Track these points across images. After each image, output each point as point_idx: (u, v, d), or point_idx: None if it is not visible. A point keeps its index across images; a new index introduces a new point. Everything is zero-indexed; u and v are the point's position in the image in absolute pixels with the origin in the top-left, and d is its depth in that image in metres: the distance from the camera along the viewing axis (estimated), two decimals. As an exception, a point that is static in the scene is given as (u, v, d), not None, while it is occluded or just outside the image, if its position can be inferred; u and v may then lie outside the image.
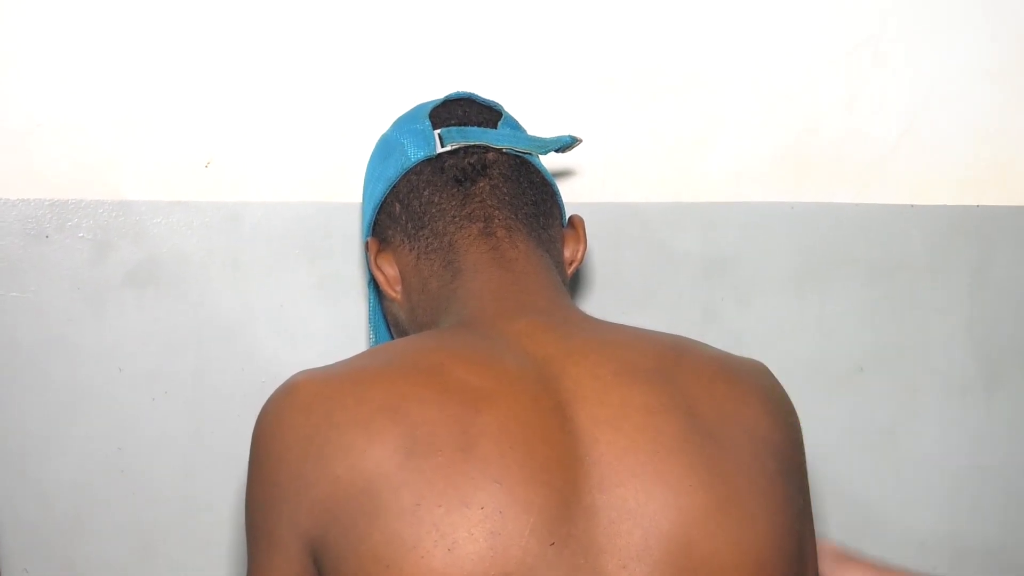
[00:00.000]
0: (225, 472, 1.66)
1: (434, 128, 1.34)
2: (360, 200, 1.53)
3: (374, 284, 1.42)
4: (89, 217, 1.62)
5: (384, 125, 1.47)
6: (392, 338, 1.43)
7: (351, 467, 1.05)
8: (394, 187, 1.33)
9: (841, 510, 1.80)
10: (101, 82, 1.62)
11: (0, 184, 1.61)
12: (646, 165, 1.77)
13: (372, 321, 1.45)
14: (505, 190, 1.31)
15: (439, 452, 1.05)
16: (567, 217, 1.39)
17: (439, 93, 1.44)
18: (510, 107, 1.44)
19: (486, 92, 1.45)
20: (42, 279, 1.62)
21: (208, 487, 1.67)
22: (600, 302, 1.75)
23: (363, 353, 1.20)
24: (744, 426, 1.13)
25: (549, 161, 1.49)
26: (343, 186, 1.64)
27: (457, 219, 1.29)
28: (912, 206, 1.82)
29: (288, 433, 1.10)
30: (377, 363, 1.14)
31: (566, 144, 1.39)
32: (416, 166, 1.32)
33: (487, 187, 1.30)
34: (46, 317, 1.62)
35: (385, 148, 1.39)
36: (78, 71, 1.62)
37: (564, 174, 1.73)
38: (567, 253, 1.36)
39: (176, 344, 1.65)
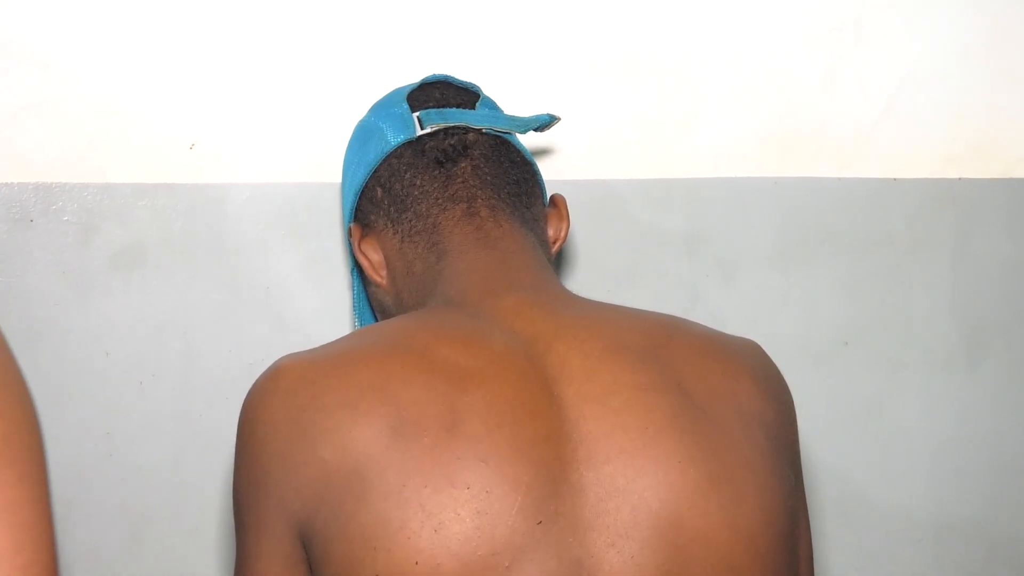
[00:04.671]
0: (214, 455, 1.65)
1: (412, 111, 1.34)
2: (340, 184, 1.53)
3: (358, 270, 1.42)
4: (74, 200, 1.62)
5: (368, 105, 1.46)
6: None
7: (337, 449, 1.05)
8: (375, 171, 1.33)
9: (826, 484, 1.81)
10: (85, 64, 1.61)
11: (-17, 168, 1.60)
12: (628, 143, 1.77)
13: (357, 308, 1.45)
14: (487, 170, 1.30)
15: (425, 432, 1.05)
16: (548, 196, 1.40)
17: (422, 74, 1.44)
18: (493, 89, 1.44)
19: (468, 75, 1.45)
20: (27, 264, 1.61)
21: (197, 470, 1.66)
22: (585, 281, 1.75)
23: (348, 335, 1.20)
24: (735, 403, 1.13)
25: (529, 140, 1.49)
26: (328, 166, 1.63)
27: (440, 200, 1.29)
28: (894, 180, 1.82)
29: (274, 416, 1.10)
30: (362, 345, 1.14)
31: (545, 123, 1.38)
32: (396, 149, 1.32)
33: (469, 168, 1.30)
34: (32, 302, 1.61)
35: (363, 133, 1.39)
36: (61, 54, 1.61)
37: (546, 153, 1.73)
38: (550, 232, 1.36)
39: (163, 327, 1.65)
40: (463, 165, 1.30)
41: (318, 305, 1.68)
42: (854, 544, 1.83)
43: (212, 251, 1.65)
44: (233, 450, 1.61)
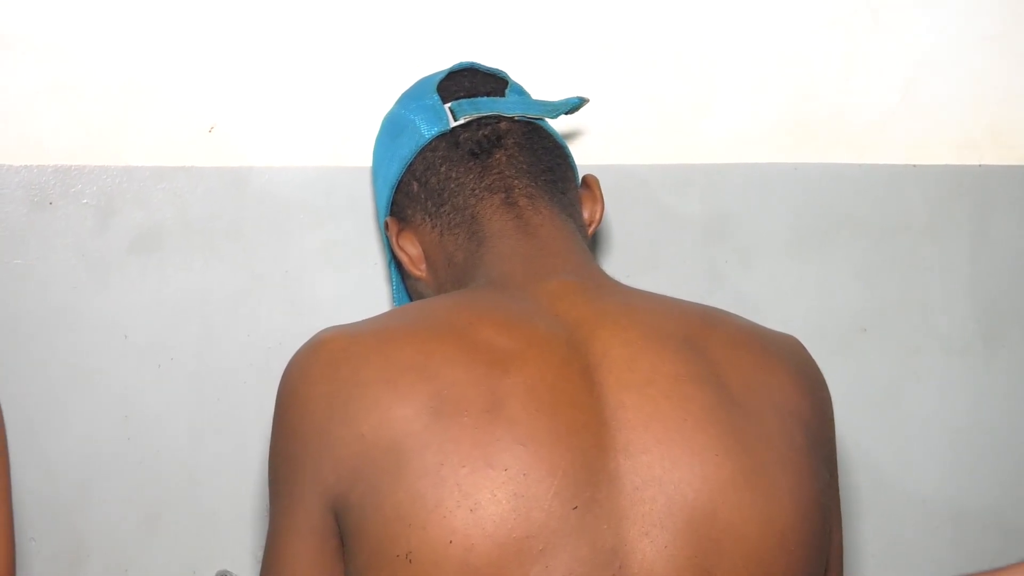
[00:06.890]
0: (232, 439, 1.64)
1: (443, 102, 1.33)
2: (369, 171, 1.52)
3: (395, 264, 1.42)
4: (93, 183, 1.60)
5: (387, 89, 1.46)
6: None
7: (376, 425, 1.06)
8: (410, 166, 1.33)
9: (843, 470, 1.79)
10: (104, 47, 1.60)
11: (3, 151, 1.59)
12: (646, 128, 1.76)
13: (397, 300, 1.45)
14: (521, 159, 1.30)
15: (465, 412, 1.05)
16: (580, 177, 1.39)
17: (439, 60, 1.43)
18: (510, 75, 1.43)
19: (485, 60, 1.44)
20: (46, 247, 1.60)
21: (215, 454, 1.65)
22: (604, 265, 1.73)
23: (390, 312, 1.20)
24: (772, 398, 1.14)
25: (554, 123, 1.49)
26: (348, 150, 1.63)
27: (477, 192, 1.28)
28: (913, 166, 1.82)
29: (314, 389, 1.10)
30: (405, 322, 1.14)
31: (575, 105, 1.39)
32: (431, 143, 1.32)
33: (503, 158, 1.30)
34: (50, 285, 1.60)
35: (395, 126, 1.38)
36: (80, 36, 1.60)
37: (565, 138, 1.72)
38: (586, 214, 1.36)
39: (181, 311, 1.64)
40: (498, 156, 1.30)
41: (336, 289, 1.67)
42: (871, 530, 1.83)
43: (230, 234, 1.64)
44: (251, 433, 1.62)
